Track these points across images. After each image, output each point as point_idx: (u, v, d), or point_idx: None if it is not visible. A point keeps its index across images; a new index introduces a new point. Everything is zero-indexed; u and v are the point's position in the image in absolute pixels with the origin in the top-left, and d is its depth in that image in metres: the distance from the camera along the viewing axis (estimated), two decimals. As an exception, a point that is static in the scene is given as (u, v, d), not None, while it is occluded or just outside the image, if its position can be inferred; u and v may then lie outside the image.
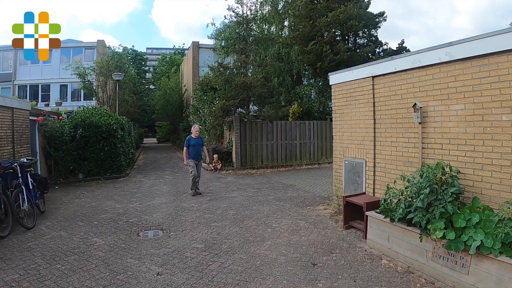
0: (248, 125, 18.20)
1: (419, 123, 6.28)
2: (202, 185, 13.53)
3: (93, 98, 30.27)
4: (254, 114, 19.83)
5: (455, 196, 5.14)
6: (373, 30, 23.50)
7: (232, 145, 18.20)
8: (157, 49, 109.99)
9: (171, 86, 38.47)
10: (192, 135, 12.10)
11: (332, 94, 8.97)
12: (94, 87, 29.62)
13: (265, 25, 22.80)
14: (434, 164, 5.49)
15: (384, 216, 5.98)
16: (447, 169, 5.38)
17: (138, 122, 47.98)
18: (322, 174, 16.04)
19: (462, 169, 5.64)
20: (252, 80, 17.59)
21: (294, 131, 19.20)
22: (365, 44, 23.16)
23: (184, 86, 38.56)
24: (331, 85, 9.00)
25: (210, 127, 19.74)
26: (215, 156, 17.81)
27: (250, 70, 20.27)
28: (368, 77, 7.58)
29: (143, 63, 62.81)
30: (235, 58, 18.94)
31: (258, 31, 20.37)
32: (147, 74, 64.70)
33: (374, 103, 7.49)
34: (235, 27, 18.86)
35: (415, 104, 6.27)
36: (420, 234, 5.34)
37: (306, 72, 23.64)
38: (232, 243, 6.91)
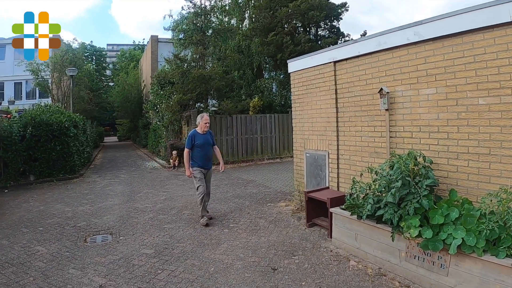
0: None
1: (386, 110, 5.57)
2: (158, 184, 12.49)
3: (48, 96, 28.33)
4: (214, 109, 18.83)
5: (429, 189, 4.46)
6: (335, 21, 22.89)
7: (191, 141, 17.09)
8: (118, 45, 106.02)
9: (129, 82, 36.59)
10: (198, 129, 7.44)
11: (291, 83, 8.17)
12: (49, 85, 27.72)
13: (225, 17, 21.82)
14: (405, 154, 4.78)
15: (350, 213, 5.23)
16: (420, 159, 4.68)
17: (98, 120, 45.74)
18: (284, 168, 15.26)
19: (435, 159, 4.96)
20: (210, 73, 16.60)
21: (254, 125, 18.30)
22: (326, 35, 22.51)
23: (143, 82, 36.85)
24: (290, 73, 8.20)
25: (167, 122, 18.59)
26: (174, 152, 16.73)
27: (210, 64, 19.29)
28: (330, 62, 6.80)
29: (102, 59, 60.23)
30: (192, 51, 17.86)
31: (217, 22, 19.38)
32: (107, 71, 62.13)
33: (336, 90, 6.74)
34: (192, 19, 17.78)
35: (381, 89, 5.55)
36: (391, 233, 4.62)
37: (267, 65, 22.80)
38: (185, 247, 6.03)
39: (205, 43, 17.93)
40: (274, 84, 22.24)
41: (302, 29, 21.94)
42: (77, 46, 30.90)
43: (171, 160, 16.78)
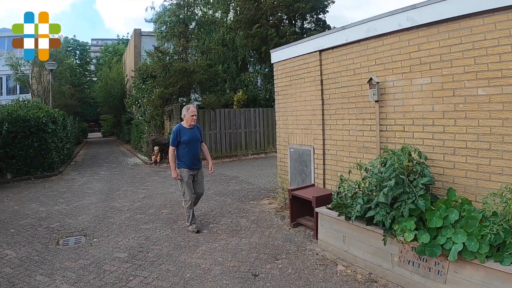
0: None
1: (376, 101, 5.07)
2: (138, 181, 11.85)
3: (29, 91, 27.24)
4: (197, 103, 18.16)
5: (425, 188, 3.97)
6: (321, 14, 22.25)
7: (173, 136, 16.44)
8: (102, 40, 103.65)
9: (112, 77, 35.40)
10: (184, 124, 6.30)
11: (274, 74, 7.61)
12: (29, 80, 26.64)
13: (210, 10, 21.06)
14: (397, 149, 4.29)
15: (338, 214, 4.72)
16: (414, 155, 4.20)
17: (81, 116, 44.46)
18: (268, 164, 14.65)
19: (430, 154, 4.48)
20: (193, 66, 15.93)
21: (238, 119, 17.67)
22: (312, 28, 21.81)
23: (126, 76, 35.80)
24: (273, 64, 7.66)
25: (149, 117, 17.85)
26: (156, 148, 16.01)
27: (195, 58, 18.59)
28: (315, 51, 6.26)
29: (85, 54, 58.64)
30: (174, 43, 17.15)
31: (201, 15, 18.67)
32: (91, 65, 60.53)
33: (322, 81, 6.21)
34: (175, 11, 17.02)
35: (371, 79, 5.05)
36: (383, 236, 4.15)
37: (252, 59, 22.11)
38: (161, 250, 5.49)
39: (187, 36, 17.23)
40: (259, 78, 21.62)
41: (287, 22, 21.31)
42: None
43: (152, 156, 16.10)
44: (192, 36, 18.11)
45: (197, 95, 18.49)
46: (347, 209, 4.62)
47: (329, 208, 5.09)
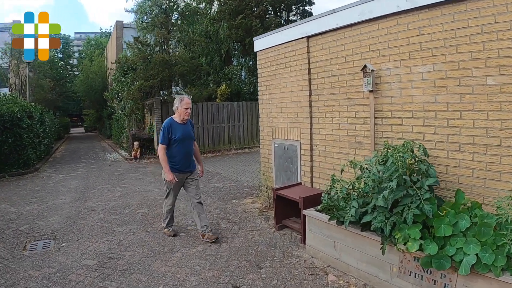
0: (171, 108, 15.40)
1: (371, 91, 4.48)
2: (116, 178, 11.07)
3: (6, 85, 25.93)
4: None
5: (429, 189, 3.41)
6: (307, 5, 21.55)
7: (154, 130, 15.73)
8: (86, 33, 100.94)
9: (94, 70, 33.93)
10: (176, 118, 5.27)
11: (257, 63, 6.95)
12: (7, 73, 25.34)
13: (193, 0, 20.18)
14: (400, 145, 3.70)
15: (329, 218, 4.13)
16: (417, 151, 3.63)
17: (63, 110, 42.96)
18: (252, 159, 13.98)
19: (432, 151, 3.90)
20: (173, 57, 15.11)
21: (221, 113, 16.89)
22: (298, 20, 21.30)
23: (108, 69, 34.59)
24: (256, 52, 7.00)
25: (129, 111, 16.98)
26: (135, 143, 15.15)
27: (177, 50, 17.76)
28: (302, 37, 5.61)
29: (67, 47, 56.79)
30: (155, 34, 16.27)
31: (184, 5, 17.80)
32: (73, 60, 58.67)
33: (309, 70, 5.58)
34: (156, 0, 16.19)
35: (365, 66, 4.45)
36: (381, 244, 3.57)
37: (236, 51, 21.34)
38: (133, 257, 4.84)
39: (169, 26, 16.40)
40: (243, 71, 20.92)
41: (272, 13, 20.58)
42: (37, 32, 28.32)
43: (132, 152, 15.24)
44: (174, 28, 17.28)
45: (179, 88, 17.67)
46: (338, 212, 4.02)
47: (318, 211, 4.50)
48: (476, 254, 3.00)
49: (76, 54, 61.28)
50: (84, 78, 34.29)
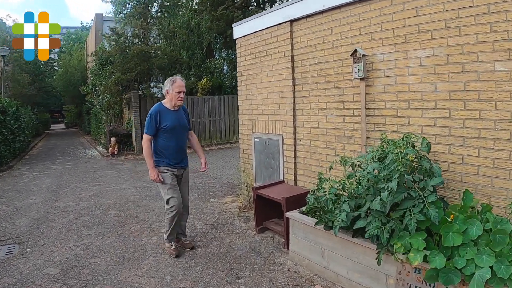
0: (150, 102, 14.49)
1: (361, 79, 3.91)
2: (91, 176, 10.25)
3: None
4: (157, 89, 16.53)
5: (433, 191, 2.87)
6: (293, -3, 20.85)
7: (132, 125, 14.90)
8: (67, 28, 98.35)
9: (73, 64, 32.39)
10: (166, 103, 4.34)
11: (237, 52, 6.31)
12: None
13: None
14: (397, 139, 3.15)
15: (315, 222, 3.56)
16: (419, 146, 3.08)
17: (44, 106, 41.26)
18: (233, 154, 13.24)
19: (431, 145, 3.39)
20: (151, 49, 14.29)
21: (202, 107, 16.06)
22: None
23: (88, 63, 33.26)
24: (236, 40, 6.37)
25: (106, 106, 16.09)
26: (112, 139, 14.27)
27: (158, 43, 16.91)
28: (285, 22, 4.99)
29: (47, 41, 54.66)
30: (132, 24, 15.38)
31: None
32: (54, 54, 56.60)
33: (292, 57, 4.98)
34: (135, -11, 15.38)
35: (355, 51, 3.87)
36: (377, 253, 3.03)
37: (217, 44, 20.58)
38: (99, 265, 4.22)
39: (147, 17, 15.54)
40: (225, 65, 20.18)
41: (255, 4, 19.77)
42: (12, 24, 26.92)
43: (110, 148, 14.37)
44: (155, 20, 16.46)
45: (158, 82, 16.85)
46: (326, 214, 3.45)
47: (303, 213, 3.93)
48: (490, 267, 2.49)
49: (56, 49, 59.17)
50: (63, 73, 32.87)
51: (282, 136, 5.25)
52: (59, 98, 44.49)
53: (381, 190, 2.82)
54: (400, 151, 2.72)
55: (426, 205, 2.69)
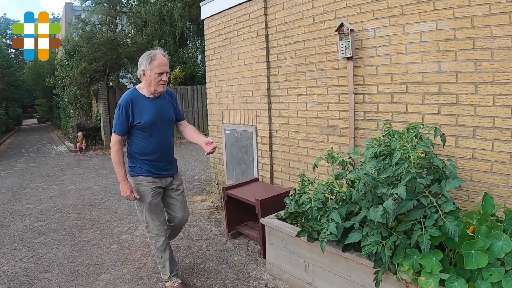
0: (119, 94, 13.26)
1: (349, 58, 3.19)
2: (55, 174, 9.21)
3: None
4: (133, 82, 15.41)
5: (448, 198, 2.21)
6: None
7: (100, 119, 13.78)
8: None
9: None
10: (142, 89, 2.99)
11: (205, 34, 5.46)
12: None
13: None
14: (404, 130, 2.45)
15: (296, 233, 2.85)
16: (429, 136, 2.40)
17: (14, 101, 38.99)
18: (207, 148, 12.38)
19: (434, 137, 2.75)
20: (118, 37, 13.19)
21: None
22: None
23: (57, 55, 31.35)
24: (204, 20, 5.53)
25: (72, 98, 14.91)
26: (79, 134, 13.14)
27: (131, 32, 15.77)
28: (258, -4, 4.29)
29: (17, 34, 51.78)
30: (98, 11, 14.18)
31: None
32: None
33: (267, 36, 4.19)
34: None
35: (342, 25, 3.16)
36: (375, 273, 2.35)
37: (190, 33, 19.54)
38: (50, 281, 3.50)
39: (115, 4, 14.39)
40: (198, 54, 19.17)
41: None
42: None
43: (77, 144, 13.25)
44: (123, 8, 15.32)
45: (127, 72, 15.73)
46: (309, 222, 2.75)
47: (281, 219, 3.22)
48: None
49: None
50: (32, 65, 30.90)
51: (256, 127, 4.50)
52: (31, 92, 42.24)
53: (382, 197, 2.14)
54: (410, 147, 2.02)
55: (442, 216, 2.02)
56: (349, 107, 3.22)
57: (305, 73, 3.75)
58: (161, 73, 2.89)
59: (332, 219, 2.42)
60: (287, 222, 3.13)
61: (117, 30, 14.83)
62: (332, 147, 3.08)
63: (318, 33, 3.56)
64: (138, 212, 3.12)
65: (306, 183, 2.67)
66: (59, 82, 16.83)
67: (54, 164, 11.06)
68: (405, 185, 1.94)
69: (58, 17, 58.40)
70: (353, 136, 3.18)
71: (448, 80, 2.69)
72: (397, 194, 1.99)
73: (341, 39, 3.15)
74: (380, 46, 3.06)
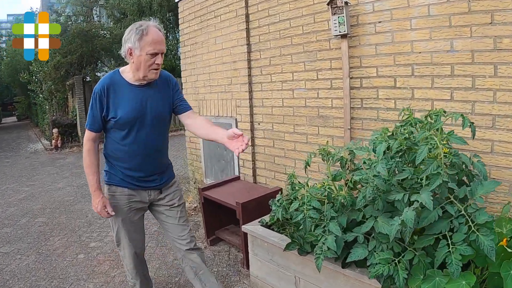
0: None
1: (343, 36, 2.67)
2: (27, 174, 8.47)
3: None
4: (102, 73, 14.60)
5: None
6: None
7: (76, 114, 12.97)
8: (19, 15, 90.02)
9: (19, 51, 29.45)
10: (126, 73, 2.15)
11: (179, 17, 4.83)
12: None
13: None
14: (424, 116, 1.93)
15: (286, 246, 2.31)
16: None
17: None
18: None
19: (446, 126, 2.25)
20: (93, 28, 12.39)
21: (153, 92, 14.42)
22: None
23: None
24: (178, 3, 4.90)
25: (47, 94, 14.04)
26: (54, 131, 12.29)
27: (110, 25, 14.95)
28: (236, -28, 3.72)
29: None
30: (72, 2, 13.31)
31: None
32: (3, 43, 51.39)
33: (247, 16, 3.61)
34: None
35: (334, -1, 2.66)
36: (383, 296, 1.86)
37: (171, 25, 18.78)
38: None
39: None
40: (179, 47, 18.39)
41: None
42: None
43: (53, 141, 12.40)
44: (100, 2, 14.46)
45: (103, 66, 14.89)
46: (299, 231, 2.23)
47: (266, 225, 2.70)
48: None
49: (4, 38, 53.87)
50: (9, 61, 29.48)
51: (236, 119, 3.93)
52: (11, 90, 40.53)
53: (396, 204, 1.63)
54: (440, 140, 1.51)
55: (473, 228, 1.52)
56: (344, 93, 2.70)
57: (291, 56, 3.20)
58: (155, 54, 2.03)
59: (330, 232, 1.91)
60: (273, 229, 2.61)
61: (93, 22, 13.97)
62: (327, 141, 2.54)
63: (306, 9, 3.02)
64: (112, 227, 2.38)
65: (297, 187, 2.14)
66: (34, 77, 15.93)
67: (28, 164, 10.26)
68: (432, 190, 1.43)
69: (37, 11, 56.43)
70: (349, 128, 2.67)
71: (462, 60, 2.20)
72: (417, 201, 1.48)
73: (334, 13, 2.61)
74: (379, 22, 2.54)
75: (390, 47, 2.50)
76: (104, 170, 2.29)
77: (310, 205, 1.95)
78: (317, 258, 1.94)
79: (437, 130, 1.68)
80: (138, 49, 2.01)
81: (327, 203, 2.03)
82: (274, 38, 3.34)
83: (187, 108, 2.35)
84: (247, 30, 3.61)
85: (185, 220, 2.42)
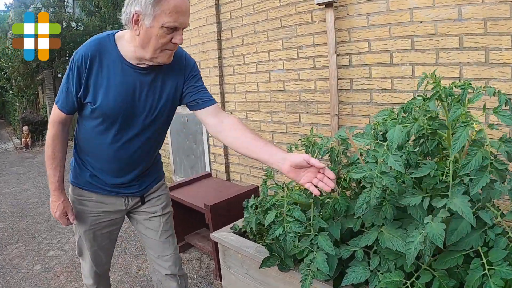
0: None
1: (328, 5, 2.18)
2: None
3: None
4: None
5: None
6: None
7: (47, 111, 12.19)
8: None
9: None
10: (126, 45, 1.38)
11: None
12: None
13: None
14: (450, 85, 1.46)
15: (263, 261, 1.81)
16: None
17: None
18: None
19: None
20: (61, 18, 11.56)
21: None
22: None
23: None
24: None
25: (16, 90, 13.16)
26: (24, 128, 11.49)
27: (85, 19, 14.06)
28: None
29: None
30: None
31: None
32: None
33: (217, -9, 3.16)
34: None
35: (316, -39, 2.17)
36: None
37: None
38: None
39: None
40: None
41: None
42: None
43: (23, 139, 11.58)
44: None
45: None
46: (279, 242, 1.73)
47: (240, 232, 2.21)
48: None
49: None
50: None
51: (208, 110, 3.43)
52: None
53: (410, 210, 1.17)
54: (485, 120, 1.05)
55: (518, 244, 1.07)
56: (330, 73, 2.21)
57: (266, 32, 2.69)
58: (174, 29, 1.32)
59: (319, 248, 1.43)
60: (248, 237, 2.11)
61: (64, 14, 13.11)
62: (312, 129, 2.04)
63: (283, -23, 2.52)
64: (74, 233, 1.74)
65: (275, 191, 1.64)
66: (3, 73, 14.96)
67: (-5, 165, 9.50)
68: (473, 194, 0.97)
69: (12, 7, 53.90)
70: (336, 114, 2.20)
71: (473, 30, 1.75)
72: (446, 208, 1.01)
73: (317, -22, 2.13)
74: (371, -14, 2.07)
75: (384, 16, 2.03)
76: (71, 167, 1.64)
77: (291, 215, 1.46)
78: (303, 280, 1.46)
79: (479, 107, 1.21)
80: (150, 16, 1.27)
81: (314, 209, 1.55)
82: (248, 13, 2.82)
83: (209, 101, 1.57)
84: (217, 6, 3.07)
85: (169, 235, 1.79)
